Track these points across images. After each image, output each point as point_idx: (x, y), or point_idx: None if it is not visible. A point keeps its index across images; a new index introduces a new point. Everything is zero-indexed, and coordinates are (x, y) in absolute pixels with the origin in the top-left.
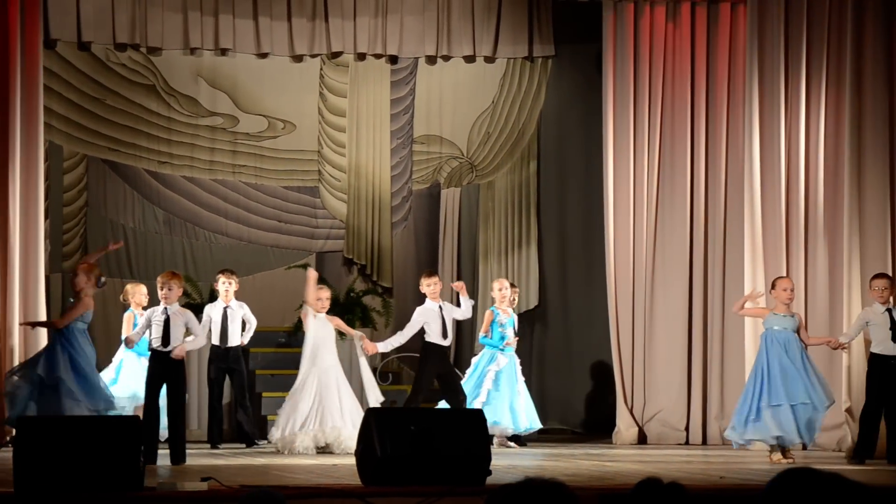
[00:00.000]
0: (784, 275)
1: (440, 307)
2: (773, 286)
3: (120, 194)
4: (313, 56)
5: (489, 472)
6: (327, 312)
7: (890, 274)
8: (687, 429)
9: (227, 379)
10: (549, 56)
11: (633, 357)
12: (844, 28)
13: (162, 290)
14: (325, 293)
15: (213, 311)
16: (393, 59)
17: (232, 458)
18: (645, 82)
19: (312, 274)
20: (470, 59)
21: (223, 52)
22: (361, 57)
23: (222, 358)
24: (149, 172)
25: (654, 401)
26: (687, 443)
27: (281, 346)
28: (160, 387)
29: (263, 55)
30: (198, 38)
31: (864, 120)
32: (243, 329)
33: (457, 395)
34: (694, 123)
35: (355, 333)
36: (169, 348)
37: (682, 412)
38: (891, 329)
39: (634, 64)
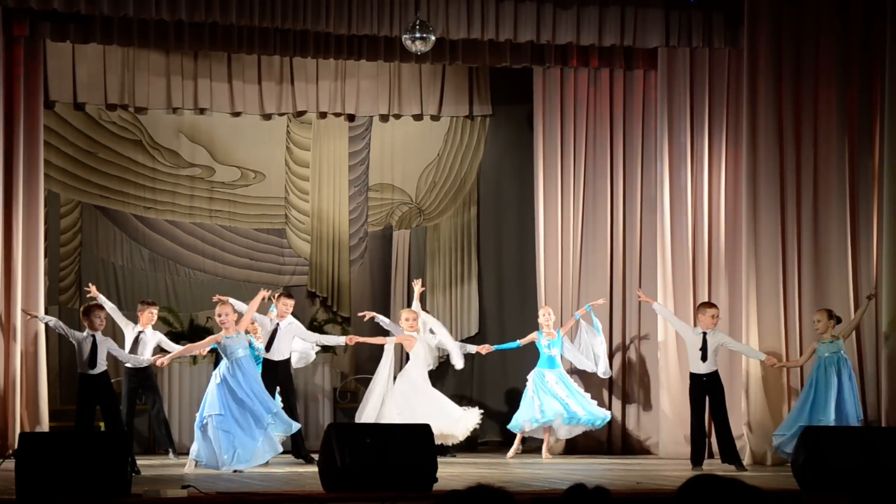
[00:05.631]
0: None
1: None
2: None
3: (110, 236)
4: (281, 115)
5: (435, 480)
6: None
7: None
8: (608, 440)
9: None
10: (487, 115)
11: None
12: (741, 91)
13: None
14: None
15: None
16: (350, 118)
17: (206, 468)
18: (570, 138)
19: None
20: (418, 117)
21: (202, 111)
22: (323, 115)
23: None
24: (136, 216)
25: None
26: (609, 453)
27: None
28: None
29: (237, 114)
30: (179, 99)
31: (759, 171)
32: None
33: None
34: (613, 173)
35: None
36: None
37: (604, 426)
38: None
39: (561, 122)
